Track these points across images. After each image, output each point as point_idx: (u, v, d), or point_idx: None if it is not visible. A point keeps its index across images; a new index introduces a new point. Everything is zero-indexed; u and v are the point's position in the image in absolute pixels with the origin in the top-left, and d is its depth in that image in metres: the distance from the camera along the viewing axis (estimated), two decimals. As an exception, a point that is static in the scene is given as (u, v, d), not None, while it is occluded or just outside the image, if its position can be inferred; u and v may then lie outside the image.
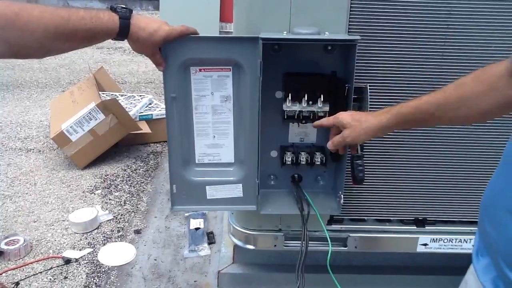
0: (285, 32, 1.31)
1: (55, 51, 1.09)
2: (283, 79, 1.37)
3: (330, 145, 1.23)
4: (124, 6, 1.11)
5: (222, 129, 1.37)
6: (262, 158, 1.40)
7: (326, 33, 1.30)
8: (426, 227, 1.58)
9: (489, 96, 0.94)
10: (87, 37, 1.07)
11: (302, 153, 1.42)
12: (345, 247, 1.58)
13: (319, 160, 1.41)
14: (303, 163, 1.41)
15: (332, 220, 1.56)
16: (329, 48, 1.34)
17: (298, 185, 1.47)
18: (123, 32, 1.11)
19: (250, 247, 1.60)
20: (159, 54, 1.22)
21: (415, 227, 1.58)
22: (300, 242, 1.41)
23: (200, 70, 1.30)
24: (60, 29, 1.02)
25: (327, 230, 1.54)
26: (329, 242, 1.43)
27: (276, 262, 1.82)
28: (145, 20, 1.14)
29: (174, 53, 1.25)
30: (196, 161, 1.40)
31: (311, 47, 1.34)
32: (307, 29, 1.29)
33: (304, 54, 1.36)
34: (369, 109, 1.27)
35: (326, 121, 1.27)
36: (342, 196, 1.36)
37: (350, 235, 1.56)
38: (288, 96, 1.34)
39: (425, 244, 1.58)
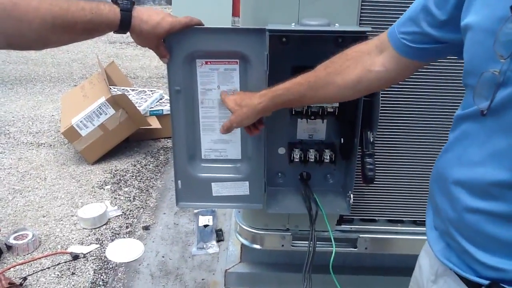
0: (293, 24, 1.26)
1: (54, 43, 1.05)
2: (291, 73, 1.31)
3: (221, 129, 1.22)
4: None
5: None
6: (269, 155, 1.35)
7: (336, 25, 1.25)
8: (440, 228, 1.51)
9: (354, 70, 0.98)
10: (87, 29, 1.03)
11: (311, 150, 1.36)
12: (355, 248, 1.52)
13: (328, 157, 1.35)
14: (311, 160, 1.36)
15: (341, 220, 1.50)
16: (340, 40, 1.28)
17: (306, 183, 1.41)
18: (124, 24, 1.07)
19: (257, 246, 1.56)
20: (163, 46, 1.18)
21: (428, 228, 1.52)
22: (308, 242, 1.36)
23: (206, 62, 1.25)
24: (58, 20, 0.98)
25: (335, 230, 1.50)
26: (333, 243, 1.38)
27: (284, 261, 1.78)
28: (147, 12, 1.10)
29: (178, 45, 1.20)
30: (202, 157, 1.36)
31: (321, 39, 1.28)
32: (317, 20, 1.23)
33: (314, 47, 1.29)
34: (380, 104, 1.21)
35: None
36: (351, 195, 1.31)
37: (360, 235, 1.50)
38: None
39: (439, 246, 1.51)
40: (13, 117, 4.31)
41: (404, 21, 0.90)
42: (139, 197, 3.06)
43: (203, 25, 1.19)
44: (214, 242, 2.59)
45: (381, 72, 0.95)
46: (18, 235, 2.50)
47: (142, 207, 2.95)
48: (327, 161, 1.36)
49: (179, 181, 1.35)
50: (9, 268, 2.32)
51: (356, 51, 0.99)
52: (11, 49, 1.02)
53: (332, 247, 1.32)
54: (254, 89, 1.27)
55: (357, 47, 1.00)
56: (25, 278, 2.24)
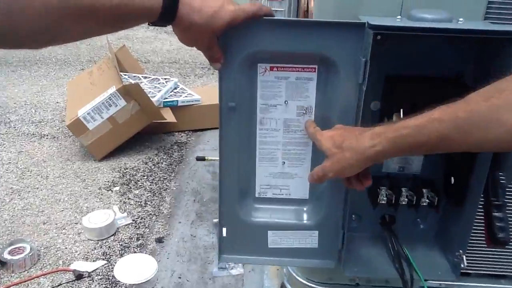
0: (398, 17, 0.89)
1: (62, 38, 0.69)
2: (384, 84, 0.95)
3: (309, 177, 0.88)
4: None
5: (295, 153, 0.96)
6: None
7: (460, 19, 0.87)
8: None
9: None
10: (111, 17, 0.67)
11: (403, 189, 1.00)
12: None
13: (427, 200, 0.99)
14: (403, 203, 1.00)
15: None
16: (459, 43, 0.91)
17: (391, 230, 1.06)
18: (167, 14, 0.71)
19: (316, 304, 1.21)
20: (217, 46, 0.81)
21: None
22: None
23: (271, 68, 0.88)
24: (68, 3, 0.62)
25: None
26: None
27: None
28: None
29: (237, 44, 0.83)
30: (256, 195, 1.00)
31: (430, 40, 0.91)
32: (432, 13, 0.87)
33: (417, 49, 0.93)
34: None
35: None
36: (464, 257, 0.95)
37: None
38: (390, 108, 0.93)
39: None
40: (14, 103, 3.96)
41: None
42: (151, 202, 2.72)
43: (274, 16, 0.82)
44: (239, 262, 2.24)
45: None
46: (14, 248, 2.16)
47: (154, 214, 2.61)
48: (424, 204, 1.00)
49: (224, 228, 1.00)
50: (2, 289, 2.00)
51: None
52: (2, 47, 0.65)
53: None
54: (337, 109, 0.90)
55: None
56: (20, 303, 1.92)
